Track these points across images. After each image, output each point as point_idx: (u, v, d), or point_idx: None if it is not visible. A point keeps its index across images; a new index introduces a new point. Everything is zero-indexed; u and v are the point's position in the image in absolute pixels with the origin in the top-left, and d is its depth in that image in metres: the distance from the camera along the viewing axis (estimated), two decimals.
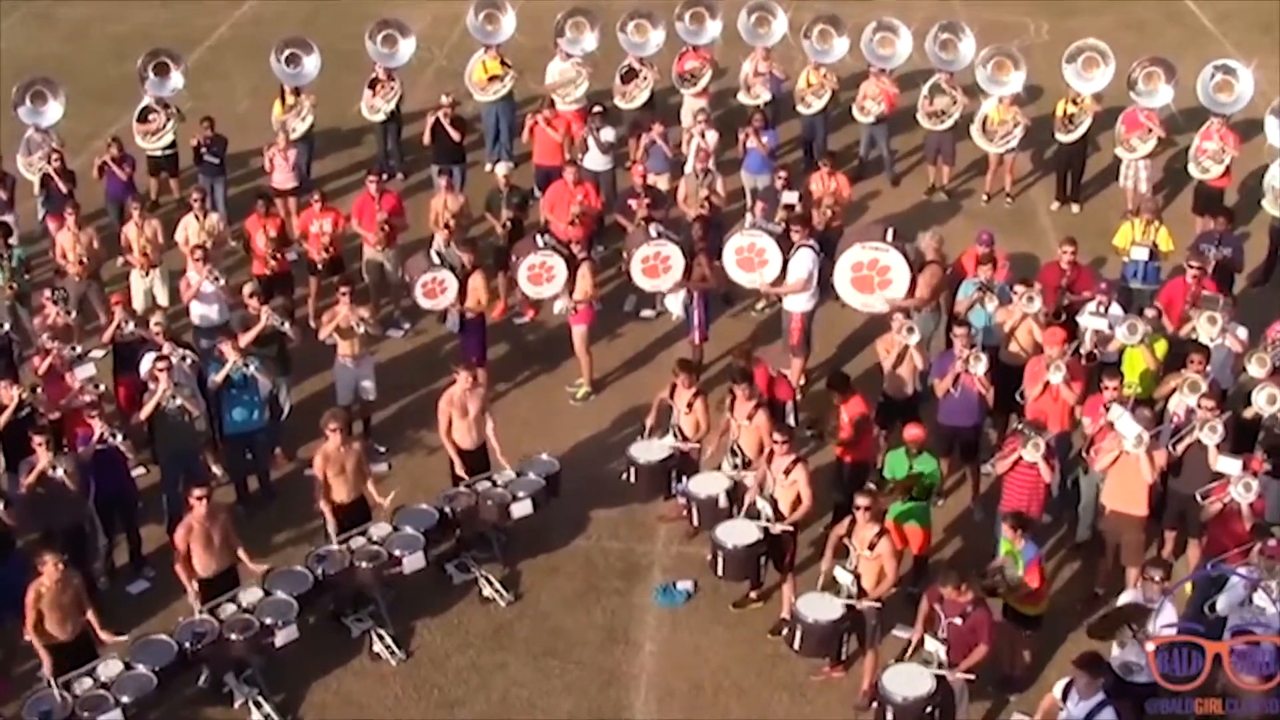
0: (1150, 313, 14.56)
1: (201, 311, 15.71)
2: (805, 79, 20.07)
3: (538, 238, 16.08)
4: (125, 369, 14.77)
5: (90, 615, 11.72)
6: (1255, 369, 13.60)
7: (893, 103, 19.95)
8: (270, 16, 26.92)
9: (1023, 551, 11.80)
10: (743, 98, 20.47)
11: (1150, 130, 18.67)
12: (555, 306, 16.42)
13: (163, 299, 16.67)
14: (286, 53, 19.67)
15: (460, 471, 13.61)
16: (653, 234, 16.14)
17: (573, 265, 15.85)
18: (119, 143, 18.56)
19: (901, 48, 20.34)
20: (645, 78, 20.18)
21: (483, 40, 20.47)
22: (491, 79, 20.23)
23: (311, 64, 19.76)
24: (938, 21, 20.61)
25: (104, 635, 11.76)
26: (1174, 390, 13.53)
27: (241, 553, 12.36)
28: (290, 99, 19.37)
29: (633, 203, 17.07)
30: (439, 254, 15.93)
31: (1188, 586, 12.20)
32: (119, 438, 13.09)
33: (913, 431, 12.92)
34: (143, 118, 19.23)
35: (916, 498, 12.79)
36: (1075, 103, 19.31)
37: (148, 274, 16.69)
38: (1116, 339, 14.16)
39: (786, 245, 15.85)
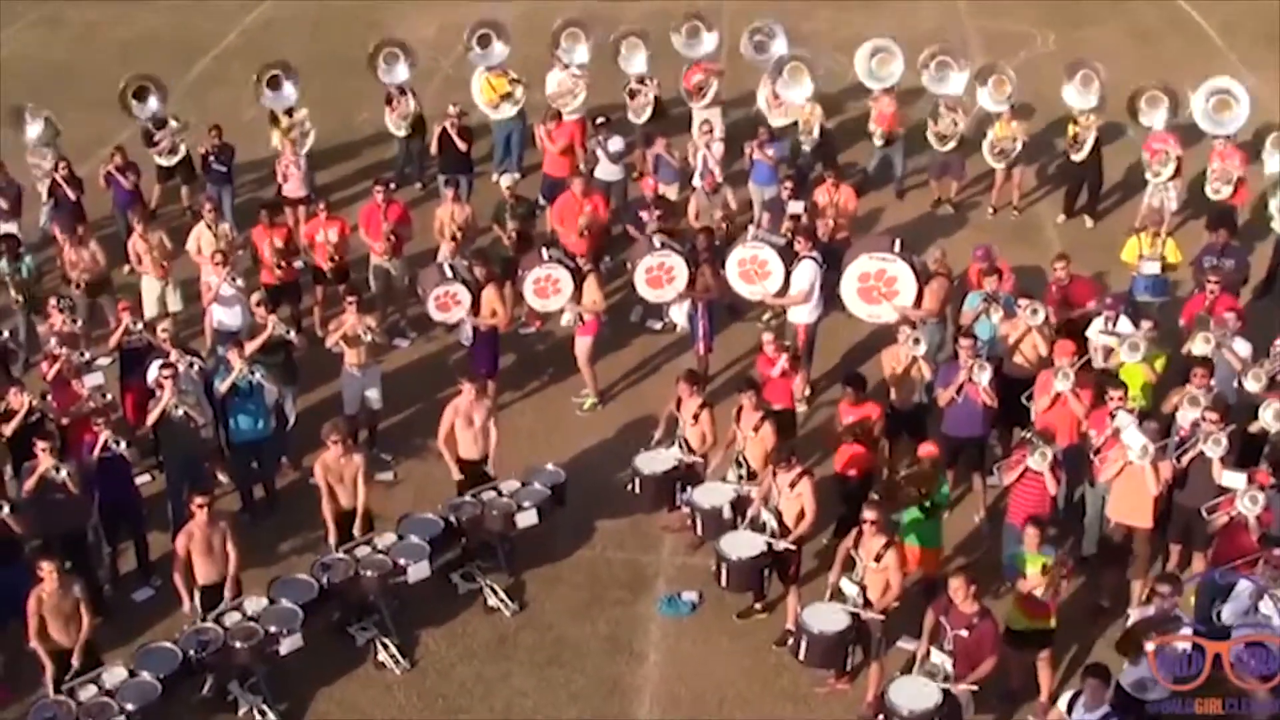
0: (1147, 324, 14.58)
1: (221, 317, 15.78)
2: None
3: (544, 251, 16.09)
4: (132, 375, 14.82)
5: (85, 627, 11.65)
6: (1251, 384, 13.61)
7: (891, 123, 19.92)
8: (277, 24, 26.97)
9: (1043, 552, 11.82)
10: (773, 119, 20.25)
11: (1168, 154, 18.64)
12: (563, 318, 16.39)
13: (174, 305, 16.66)
14: (268, 77, 19.61)
15: (455, 476, 13.63)
16: (656, 245, 16.16)
17: (579, 277, 15.86)
18: (123, 151, 18.56)
19: (897, 66, 20.26)
20: (647, 94, 20.19)
21: (479, 63, 20.47)
22: (503, 98, 20.23)
23: (289, 88, 19.62)
24: (936, 43, 20.48)
25: (75, 661, 11.63)
26: (1182, 397, 13.54)
27: (233, 565, 12.34)
28: (284, 120, 19.34)
29: (644, 214, 17.10)
30: (451, 267, 15.93)
31: (1190, 594, 12.19)
32: (123, 445, 13.10)
33: (928, 448, 12.90)
34: (149, 141, 19.21)
35: (925, 512, 12.78)
36: (1077, 121, 19.34)
37: (163, 281, 16.64)
38: (1118, 355, 14.19)
39: (789, 257, 15.87)
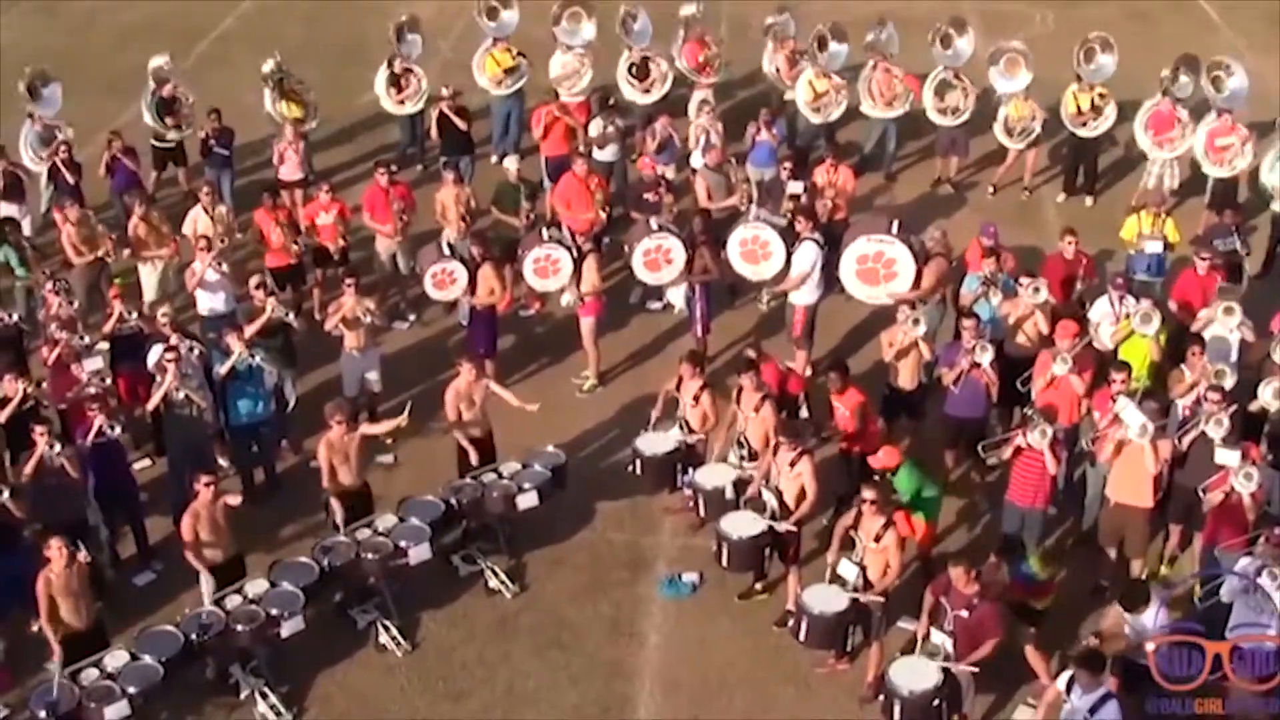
0: (1146, 304, 14.59)
1: (208, 303, 15.74)
2: (810, 86, 19.86)
3: (543, 231, 16.10)
4: (124, 361, 14.78)
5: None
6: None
7: (919, 91, 19.90)
8: (275, 8, 26.90)
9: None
10: (786, 90, 20.34)
11: (1182, 132, 18.64)
12: (563, 299, 16.39)
13: (175, 286, 16.62)
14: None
15: (474, 460, 13.65)
16: (654, 227, 16.17)
17: (579, 257, 15.85)
18: (120, 137, 18.52)
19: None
20: (665, 72, 20.16)
21: (488, 33, 20.44)
22: (507, 72, 20.22)
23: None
24: (941, 16, 20.45)
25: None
26: (1189, 388, 13.49)
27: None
28: (294, 105, 19.36)
29: (649, 195, 17.10)
30: (450, 245, 15.95)
31: (1194, 585, 12.19)
32: (118, 430, 13.11)
33: (878, 459, 12.78)
34: (170, 110, 19.21)
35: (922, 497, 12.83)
36: (1101, 96, 19.24)
37: (159, 265, 16.59)
38: (1131, 327, 14.17)
39: (790, 238, 15.86)
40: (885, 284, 15.38)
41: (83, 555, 11.63)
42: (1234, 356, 14.16)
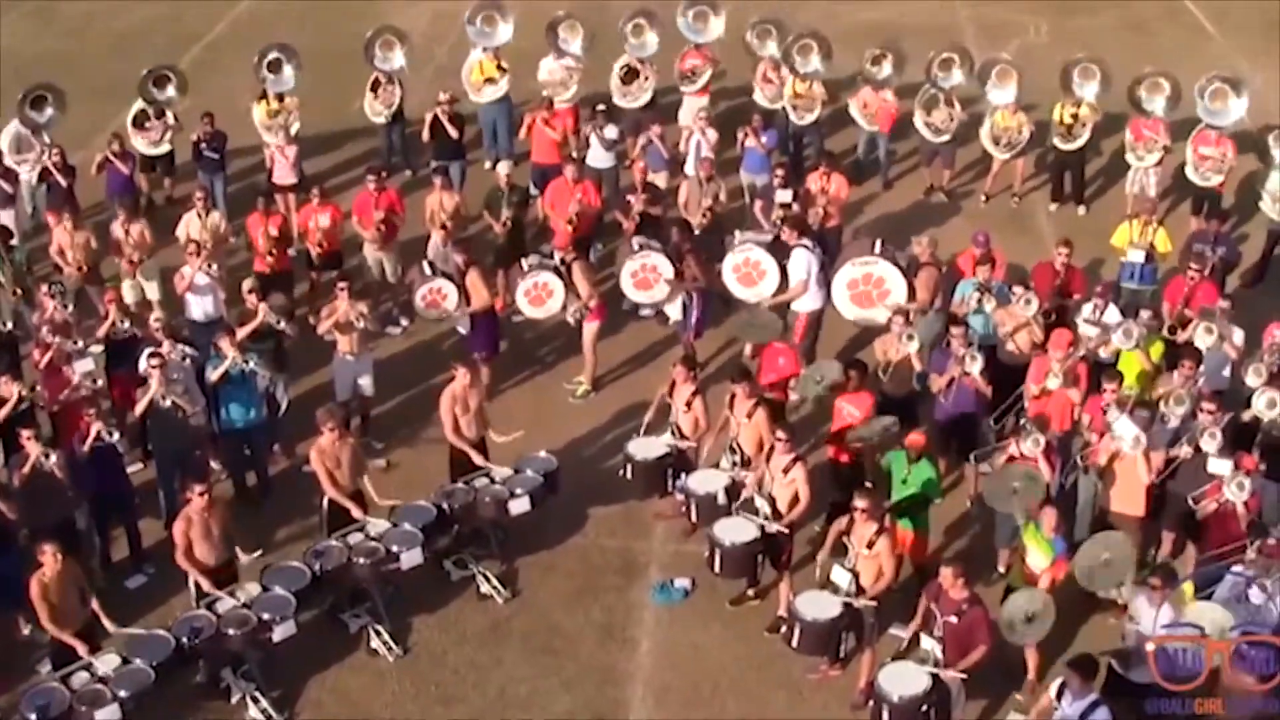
0: (1145, 315, 14.61)
1: (197, 306, 15.73)
2: (791, 89, 19.88)
3: (522, 262, 16.14)
4: (119, 366, 14.76)
5: (94, 605, 11.76)
6: (1252, 379, 13.62)
7: (894, 119, 19.89)
8: (268, 14, 26.91)
9: (1054, 544, 11.88)
10: (759, 97, 20.36)
11: (1156, 140, 18.67)
12: (568, 317, 16.17)
13: (151, 295, 16.62)
14: (269, 59, 19.59)
15: (479, 461, 13.67)
16: (635, 247, 16.20)
17: (566, 271, 15.83)
18: (120, 139, 18.54)
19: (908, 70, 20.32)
20: (647, 78, 20.16)
21: (479, 42, 20.44)
22: (487, 81, 20.22)
23: (290, 72, 19.55)
24: (940, 33, 20.44)
25: (109, 626, 11.79)
26: (1167, 395, 13.52)
27: (238, 549, 12.41)
28: (274, 104, 19.29)
29: (631, 198, 17.10)
30: (430, 264, 16.01)
31: (1187, 587, 12.19)
32: (115, 435, 13.10)
33: (914, 438, 12.91)
34: (139, 124, 19.19)
35: (912, 506, 12.85)
36: (1075, 115, 19.27)
37: (132, 274, 16.61)
38: (1112, 343, 14.21)
39: (779, 251, 15.86)
40: (880, 303, 15.40)
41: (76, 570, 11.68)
42: (1227, 369, 14.23)
